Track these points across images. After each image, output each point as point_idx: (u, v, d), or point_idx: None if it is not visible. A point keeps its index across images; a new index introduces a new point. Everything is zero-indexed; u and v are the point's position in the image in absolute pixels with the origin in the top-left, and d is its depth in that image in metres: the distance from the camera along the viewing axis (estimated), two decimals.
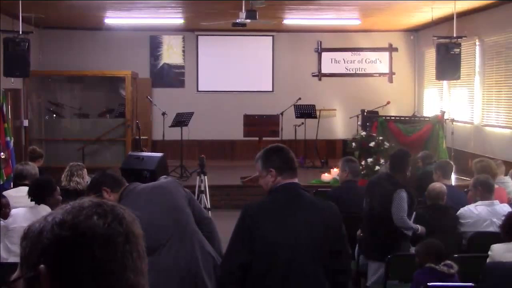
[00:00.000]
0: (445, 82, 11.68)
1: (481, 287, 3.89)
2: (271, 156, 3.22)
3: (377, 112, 11.73)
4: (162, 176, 3.77)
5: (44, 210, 4.92)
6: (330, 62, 14.06)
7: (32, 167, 6.35)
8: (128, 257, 1.12)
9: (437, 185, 5.44)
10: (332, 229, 3.19)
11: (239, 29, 10.86)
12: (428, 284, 3.91)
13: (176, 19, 12.11)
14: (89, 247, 1.09)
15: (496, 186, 5.81)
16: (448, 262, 4.11)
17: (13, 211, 5.01)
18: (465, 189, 6.38)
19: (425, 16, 11.12)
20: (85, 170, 6.28)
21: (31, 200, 5.01)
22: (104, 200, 1.18)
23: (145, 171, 9.77)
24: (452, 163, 6.87)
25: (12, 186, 6.67)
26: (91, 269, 1.09)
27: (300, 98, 12.48)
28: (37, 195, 4.98)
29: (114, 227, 1.12)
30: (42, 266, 1.08)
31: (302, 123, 12.32)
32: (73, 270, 1.08)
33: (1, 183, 7.45)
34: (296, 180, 3.23)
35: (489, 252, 4.26)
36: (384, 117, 9.90)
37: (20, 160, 8.36)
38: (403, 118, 10.32)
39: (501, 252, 4.18)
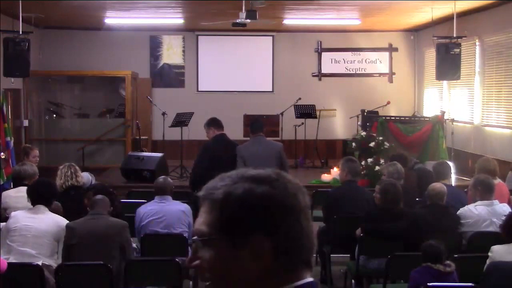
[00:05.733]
0: (445, 82, 11.68)
1: (481, 287, 3.89)
2: (212, 122, 7.36)
3: (377, 112, 11.73)
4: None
5: (45, 211, 4.93)
6: (330, 62, 14.06)
7: (30, 167, 6.35)
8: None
9: (438, 185, 5.44)
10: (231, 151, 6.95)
11: (239, 29, 10.86)
12: (428, 284, 3.92)
13: (176, 19, 12.10)
14: (297, 215, 1.21)
15: (496, 181, 5.82)
16: (446, 261, 4.12)
17: (13, 213, 5.02)
18: (465, 189, 6.38)
19: (425, 16, 11.11)
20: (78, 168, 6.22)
21: (32, 203, 5.00)
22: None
23: (145, 171, 9.79)
24: (449, 163, 6.88)
25: (12, 186, 6.68)
26: (299, 233, 1.21)
27: (300, 98, 12.48)
28: (38, 199, 4.98)
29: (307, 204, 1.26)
30: (259, 233, 1.17)
31: (302, 123, 12.31)
32: (287, 234, 1.19)
33: (1, 183, 7.45)
34: (223, 132, 7.27)
35: (489, 253, 4.23)
36: (384, 117, 9.89)
37: (20, 160, 8.35)
38: (403, 118, 10.31)
39: (501, 253, 4.16)
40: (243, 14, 8.98)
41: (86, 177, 6.55)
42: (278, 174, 1.23)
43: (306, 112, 12.33)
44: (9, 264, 4.51)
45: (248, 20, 9.07)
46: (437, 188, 5.37)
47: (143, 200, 6.07)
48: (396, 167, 6.31)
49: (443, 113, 10.24)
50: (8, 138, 8.31)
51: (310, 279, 1.21)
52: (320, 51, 14.01)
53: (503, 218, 4.61)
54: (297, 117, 12.39)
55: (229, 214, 1.18)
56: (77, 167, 6.16)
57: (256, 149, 6.79)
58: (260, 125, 7.15)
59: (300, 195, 1.23)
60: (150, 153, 10.77)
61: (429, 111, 12.62)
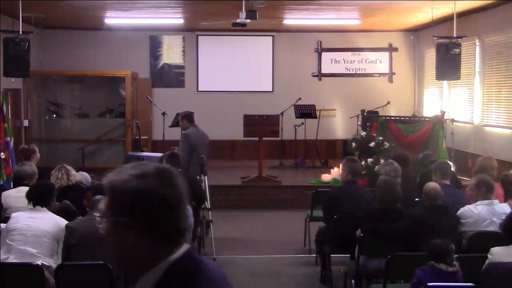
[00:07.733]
0: (445, 82, 11.68)
1: None
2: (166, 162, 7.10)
3: (377, 112, 11.73)
4: None
5: (45, 211, 4.93)
6: (330, 62, 14.06)
7: (29, 167, 6.35)
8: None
9: (432, 185, 5.40)
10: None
11: (239, 29, 10.86)
12: (428, 284, 3.92)
13: (176, 19, 12.11)
14: (171, 208, 1.46)
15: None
16: (454, 261, 4.11)
17: (13, 214, 5.02)
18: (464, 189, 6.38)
19: (425, 16, 11.12)
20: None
21: (33, 204, 5.00)
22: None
23: None
24: (450, 163, 6.87)
25: (12, 186, 6.68)
26: (170, 215, 1.47)
27: (300, 98, 12.48)
28: (37, 199, 4.98)
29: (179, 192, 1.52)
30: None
31: (302, 123, 12.32)
32: (158, 221, 1.45)
33: (1, 183, 7.45)
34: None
35: (488, 255, 4.19)
36: (384, 117, 9.88)
37: (20, 160, 8.35)
38: (403, 118, 10.30)
39: (501, 255, 4.13)
40: (243, 14, 8.98)
41: (84, 176, 6.55)
42: (162, 171, 1.49)
43: (306, 112, 12.33)
44: (9, 263, 4.52)
45: (248, 20, 9.07)
46: (433, 188, 5.34)
47: None
48: (392, 165, 6.30)
49: (443, 113, 10.24)
50: (8, 138, 8.30)
51: (187, 246, 1.50)
52: (320, 51, 14.02)
53: (503, 217, 4.60)
54: (297, 117, 12.39)
55: (113, 200, 1.47)
56: (68, 167, 6.18)
57: (200, 137, 8.23)
58: (193, 115, 8.45)
59: (177, 187, 1.48)
60: (150, 153, 10.76)
61: (429, 111, 12.63)
